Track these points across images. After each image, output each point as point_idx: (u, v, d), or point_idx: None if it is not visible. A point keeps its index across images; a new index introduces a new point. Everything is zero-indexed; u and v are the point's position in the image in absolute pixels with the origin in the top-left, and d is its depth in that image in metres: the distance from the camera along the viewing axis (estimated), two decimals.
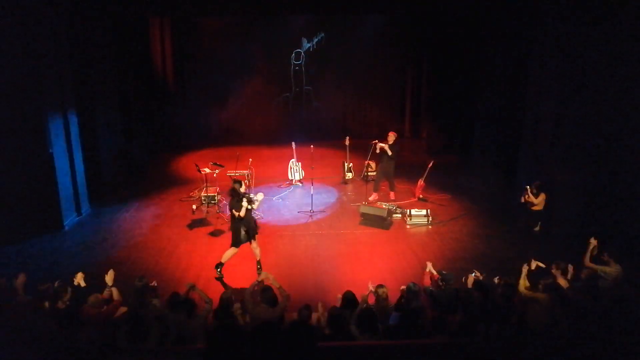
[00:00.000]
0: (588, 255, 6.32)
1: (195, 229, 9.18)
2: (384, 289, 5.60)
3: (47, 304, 5.26)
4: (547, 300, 5.39)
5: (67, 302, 5.31)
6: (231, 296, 5.53)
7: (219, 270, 7.38)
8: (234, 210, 7.01)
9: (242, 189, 7.14)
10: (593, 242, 6.39)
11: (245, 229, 7.22)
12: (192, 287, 5.56)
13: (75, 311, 5.19)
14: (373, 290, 5.63)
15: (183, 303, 5.22)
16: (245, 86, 15.71)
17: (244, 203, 6.95)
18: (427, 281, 6.20)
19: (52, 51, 8.59)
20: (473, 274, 6.07)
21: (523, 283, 5.79)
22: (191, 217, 9.70)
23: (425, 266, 6.46)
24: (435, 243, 8.65)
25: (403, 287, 5.84)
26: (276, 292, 5.56)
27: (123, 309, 5.54)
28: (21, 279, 5.69)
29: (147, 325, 4.93)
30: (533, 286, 5.74)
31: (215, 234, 8.99)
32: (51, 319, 5.04)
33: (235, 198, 7.02)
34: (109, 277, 5.72)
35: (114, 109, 10.97)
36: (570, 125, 8.82)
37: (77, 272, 5.94)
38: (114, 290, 5.65)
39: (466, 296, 5.49)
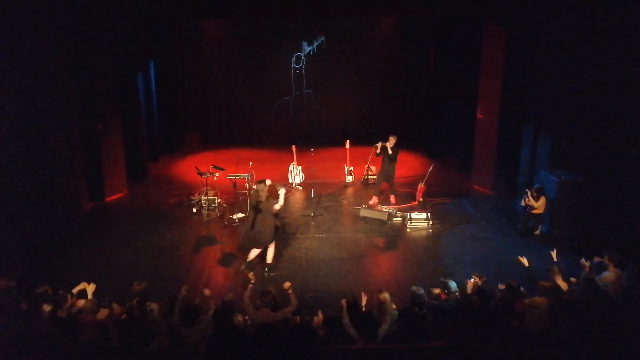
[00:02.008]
0: (586, 275, 6.30)
1: (196, 232, 9.17)
2: (385, 294, 5.58)
3: (47, 308, 5.24)
4: (545, 304, 5.38)
5: (69, 311, 5.31)
6: (232, 299, 5.52)
7: (267, 269, 7.55)
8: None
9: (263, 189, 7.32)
10: (585, 263, 6.33)
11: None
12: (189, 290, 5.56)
13: (75, 319, 5.19)
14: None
15: (183, 308, 5.21)
16: (246, 89, 15.73)
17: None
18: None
19: (51, 48, 8.61)
20: (472, 279, 6.03)
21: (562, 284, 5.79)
22: (191, 220, 9.69)
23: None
24: (436, 247, 8.64)
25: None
26: (289, 296, 5.56)
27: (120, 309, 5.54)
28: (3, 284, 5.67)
29: (146, 328, 4.93)
30: (533, 288, 5.74)
31: (215, 236, 8.99)
32: (51, 324, 5.03)
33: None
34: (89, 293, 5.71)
35: (114, 110, 10.97)
36: (570, 128, 8.83)
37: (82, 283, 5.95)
38: (115, 306, 5.62)
39: (466, 301, 5.48)
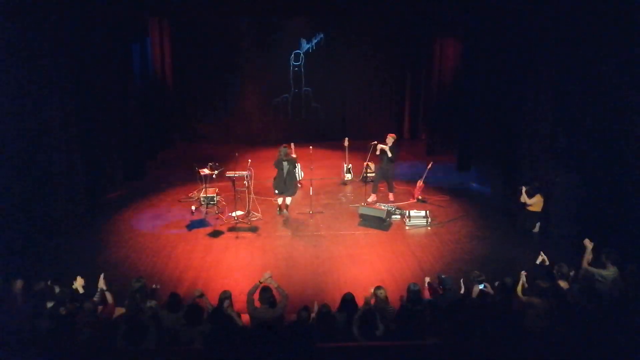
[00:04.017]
0: (586, 258, 6.28)
1: (194, 230, 9.17)
2: (383, 291, 5.59)
3: (47, 305, 5.25)
4: (542, 304, 5.37)
5: (69, 308, 5.31)
6: (230, 296, 5.52)
7: (285, 211, 9.80)
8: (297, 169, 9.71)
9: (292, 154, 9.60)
10: (589, 244, 6.30)
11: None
12: (200, 294, 5.54)
13: (74, 316, 5.19)
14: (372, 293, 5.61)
15: (183, 306, 5.22)
16: (245, 87, 15.71)
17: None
18: (426, 294, 6.18)
19: (50, 48, 8.58)
20: (482, 286, 5.86)
21: (520, 289, 5.76)
22: (190, 218, 9.69)
23: (424, 281, 6.46)
24: (434, 244, 8.65)
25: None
26: (275, 292, 5.55)
27: (120, 310, 5.54)
28: (19, 284, 5.67)
29: (145, 326, 4.93)
30: (531, 288, 5.72)
31: (214, 234, 8.99)
32: (51, 321, 5.03)
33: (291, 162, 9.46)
34: (101, 282, 5.71)
35: (113, 109, 10.96)
36: (568, 126, 8.82)
37: (76, 276, 5.94)
38: (107, 294, 5.63)
39: (466, 301, 5.49)
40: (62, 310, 5.26)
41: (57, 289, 5.70)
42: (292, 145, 11.35)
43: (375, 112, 16.17)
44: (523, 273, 5.89)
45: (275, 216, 9.85)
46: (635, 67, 7.51)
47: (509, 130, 10.47)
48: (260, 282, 5.62)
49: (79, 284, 5.86)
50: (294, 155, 9.74)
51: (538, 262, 6.44)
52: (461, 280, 6.37)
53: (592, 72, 8.21)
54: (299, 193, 11.21)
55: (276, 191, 9.62)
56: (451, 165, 13.02)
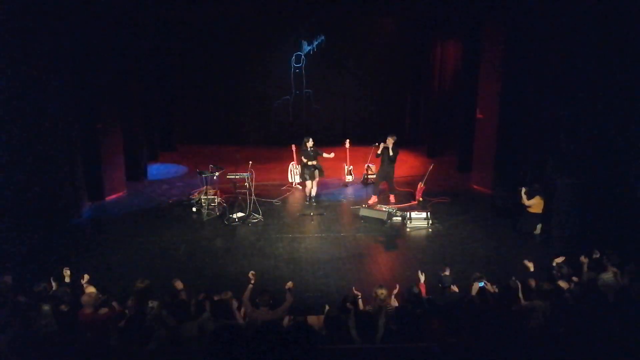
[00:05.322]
0: (584, 270, 6.30)
1: (196, 231, 9.18)
2: (384, 291, 5.59)
3: (47, 306, 5.25)
4: (545, 307, 5.36)
5: (69, 305, 5.33)
6: (232, 297, 5.53)
7: (313, 201, 10.51)
8: (303, 158, 10.35)
9: (310, 144, 10.30)
10: (584, 260, 6.35)
11: (312, 170, 10.39)
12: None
13: (74, 313, 5.22)
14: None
15: (184, 305, 5.24)
16: (246, 88, 15.74)
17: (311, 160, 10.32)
18: (423, 292, 6.18)
19: (51, 48, 8.62)
20: (482, 284, 5.86)
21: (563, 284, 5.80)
22: (191, 220, 9.70)
23: (419, 278, 6.43)
24: (435, 246, 8.65)
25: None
26: (287, 294, 5.57)
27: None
28: (7, 280, 5.72)
29: (147, 327, 4.94)
30: (533, 290, 5.73)
31: (215, 236, 9.00)
32: (52, 321, 5.04)
33: (307, 151, 10.29)
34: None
35: (113, 109, 10.98)
36: (569, 128, 8.83)
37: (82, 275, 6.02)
38: (115, 304, 5.65)
39: (466, 301, 5.48)
40: (64, 307, 5.28)
41: (56, 288, 5.72)
42: (294, 147, 11.41)
43: (376, 114, 16.18)
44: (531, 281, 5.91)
45: (276, 218, 9.85)
46: (637, 70, 7.52)
47: (510, 132, 10.48)
48: (251, 283, 5.64)
49: (66, 275, 5.96)
50: (321, 152, 10.53)
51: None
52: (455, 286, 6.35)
53: (593, 74, 8.22)
54: (299, 194, 11.26)
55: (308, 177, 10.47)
56: (452, 167, 13.05)
